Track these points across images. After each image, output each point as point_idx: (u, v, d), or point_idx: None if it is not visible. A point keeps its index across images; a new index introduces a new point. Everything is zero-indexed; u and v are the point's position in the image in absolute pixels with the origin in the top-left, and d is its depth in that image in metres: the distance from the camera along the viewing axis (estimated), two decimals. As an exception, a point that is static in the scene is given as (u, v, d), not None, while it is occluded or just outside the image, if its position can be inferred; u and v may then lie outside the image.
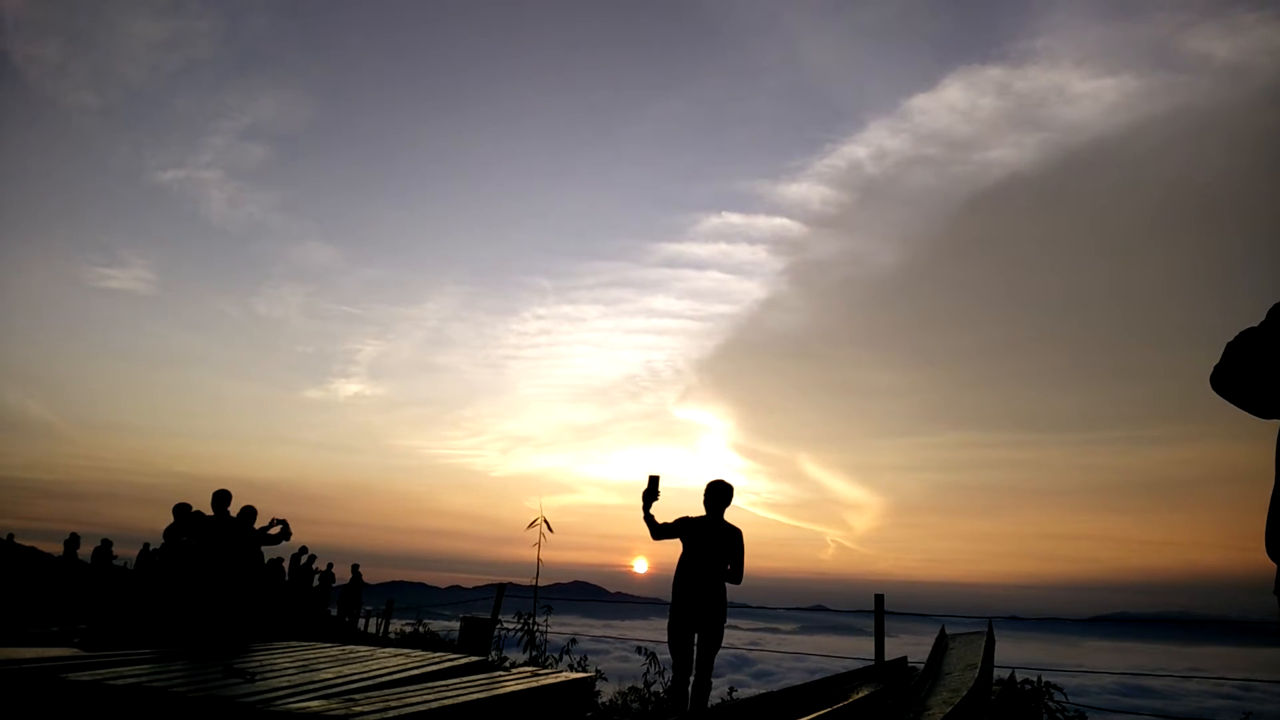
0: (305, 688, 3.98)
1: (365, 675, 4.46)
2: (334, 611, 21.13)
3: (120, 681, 3.65)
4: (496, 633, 10.56)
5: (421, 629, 15.95)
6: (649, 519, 5.65)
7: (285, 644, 5.62)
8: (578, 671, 5.21)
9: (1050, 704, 5.28)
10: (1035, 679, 5.42)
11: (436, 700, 3.88)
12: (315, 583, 19.81)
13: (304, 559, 19.60)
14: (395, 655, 5.35)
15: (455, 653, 8.83)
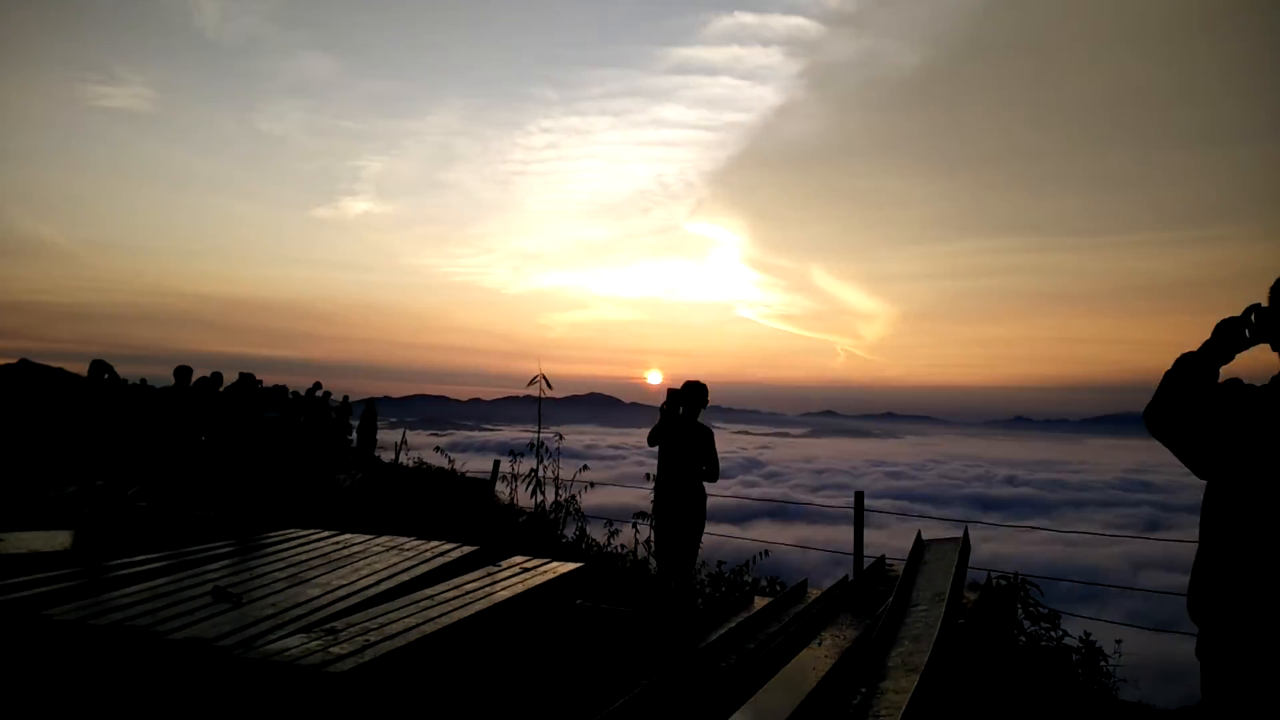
0: (290, 613, 4.03)
1: (352, 586, 4.51)
2: (354, 440, 21.75)
3: (103, 621, 3.68)
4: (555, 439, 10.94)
5: (440, 452, 15.92)
6: (655, 430, 5.74)
7: (283, 537, 5.71)
8: (566, 564, 5.26)
9: (1028, 605, 5.36)
10: (1013, 576, 5.46)
11: (420, 623, 3.93)
12: (332, 416, 20.19)
13: (319, 393, 19.94)
14: (389, 549, 5.42)
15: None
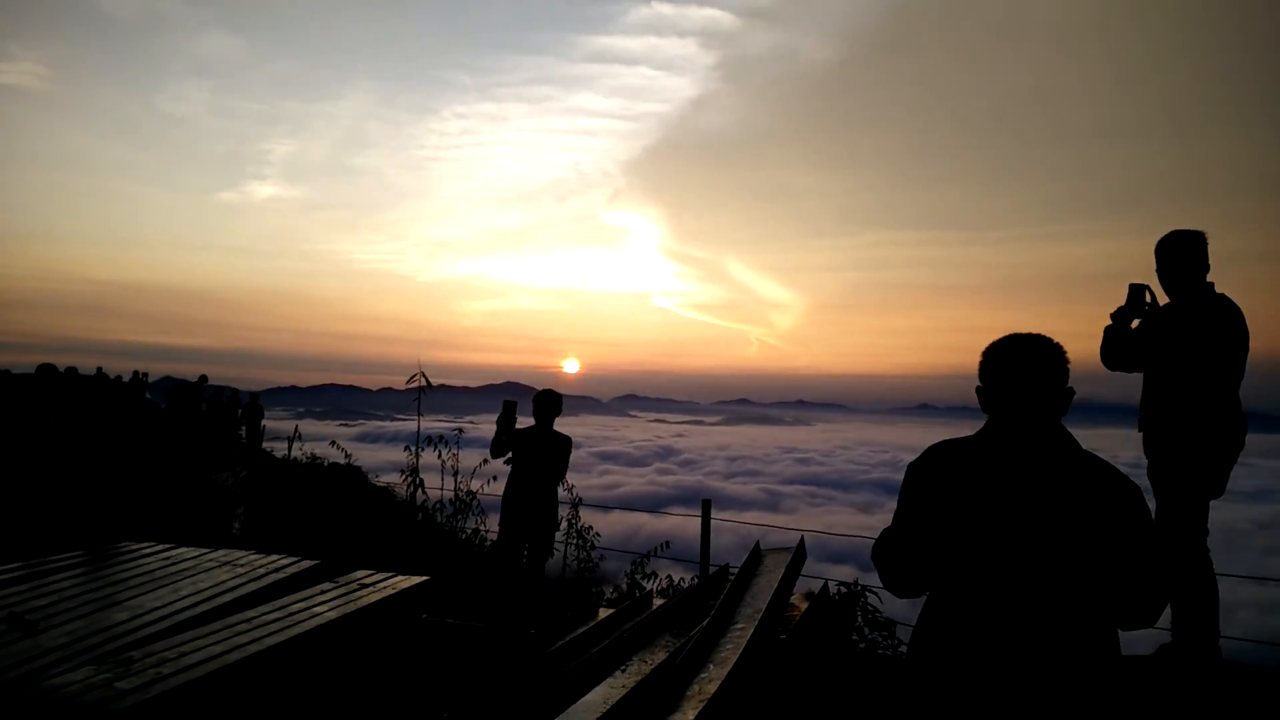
0: (88, 640, 3.80)
1: (167, 609, 4.29)
2: (243, 434, 21.02)
3: None
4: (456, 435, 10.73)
5: (337, 447, 15.45)
6: (496, 440, 5.63)
7: (112, 552, 5.42)
8: (410, 578, 5.12)
9: (867, 613, 5.45)
10: (852, 583, 5.56)
11: (226, 650, 3.74)
12: (203, 407, 19.34)
13: (142, 377, 19.04)
14: (221, 564, 5.19)
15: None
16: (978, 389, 2.10)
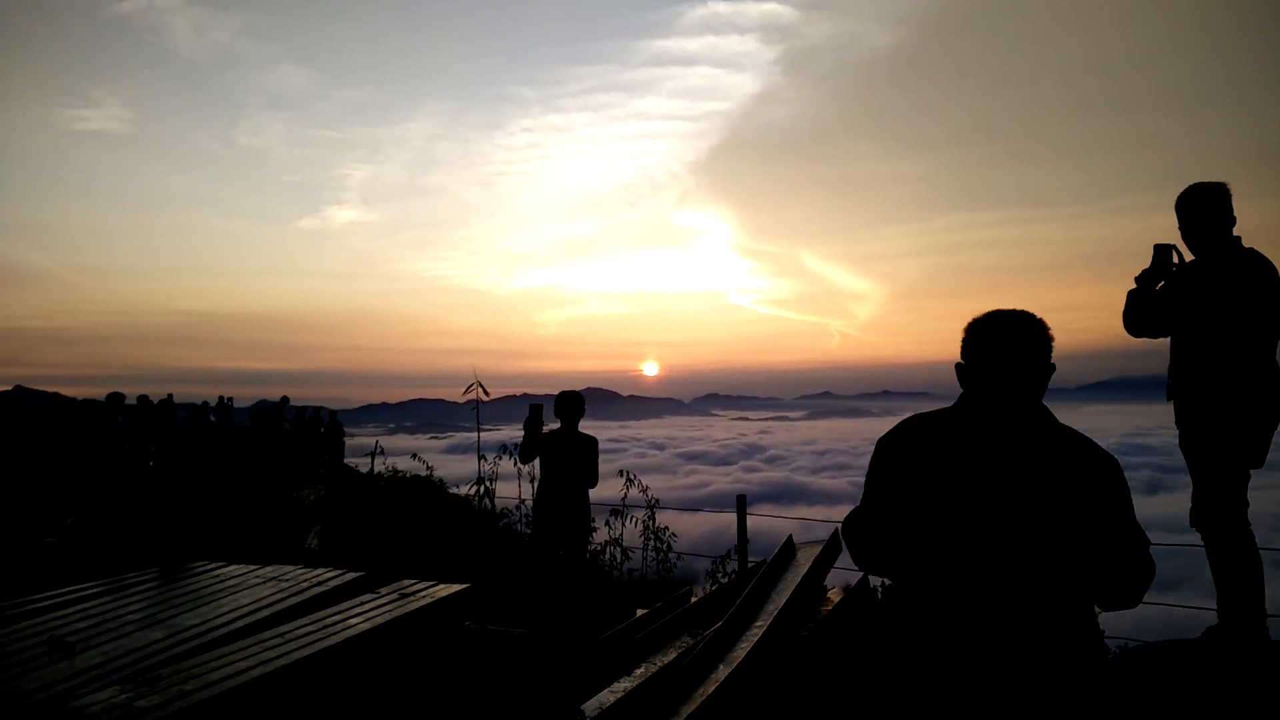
0: (122, 660, 3.83)
1: (205, 626, 4.31)
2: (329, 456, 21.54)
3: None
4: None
5: (418, 460, 15.60)
6: (523, 446, 5.54)
7: (161, 572, 5.51)
8: (450, 586, 5.05)
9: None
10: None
11: (252, 665, 3.73)
12: (286, 428, 19.91)
13: (280, 402, 19.75)
14: (267, 580, 5.21)
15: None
16: (958, 366, 1.98)
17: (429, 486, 14.31)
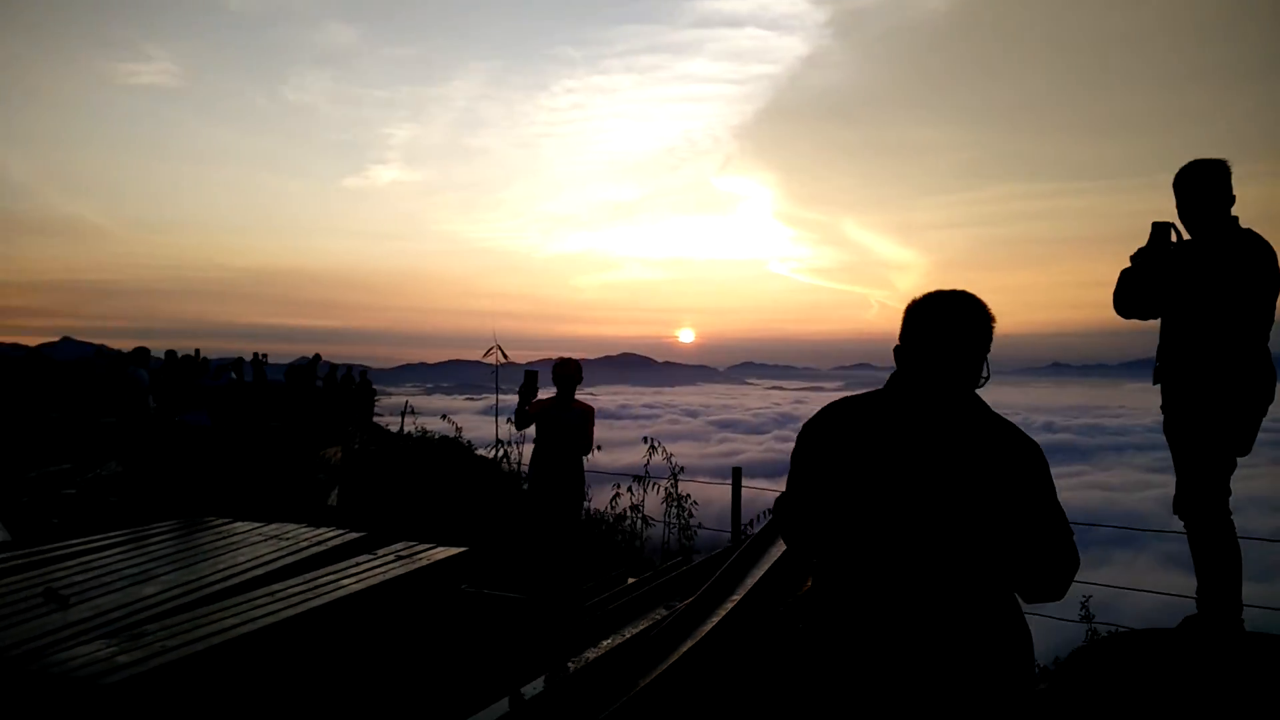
0: (112, 614, 3.85)
1: (199, 582, 4.33)
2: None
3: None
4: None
5: (448, 421, 15.62)
6: (519, 413, 5.47)
7: (170, 526, 5.55)
8: (448, 549, 5.03)
9: None
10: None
11: (240, 623, 3.73)
12: (318, 385, 20.12)
13: (313, 359, 20.00)
14: (270, 537, 5.23)
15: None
16: (895, 349, 1.89)
17: (456, 447, 14.38)
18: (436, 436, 16.03)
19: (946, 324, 1.77)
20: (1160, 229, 3.51)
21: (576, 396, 5.73)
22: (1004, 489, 1.69)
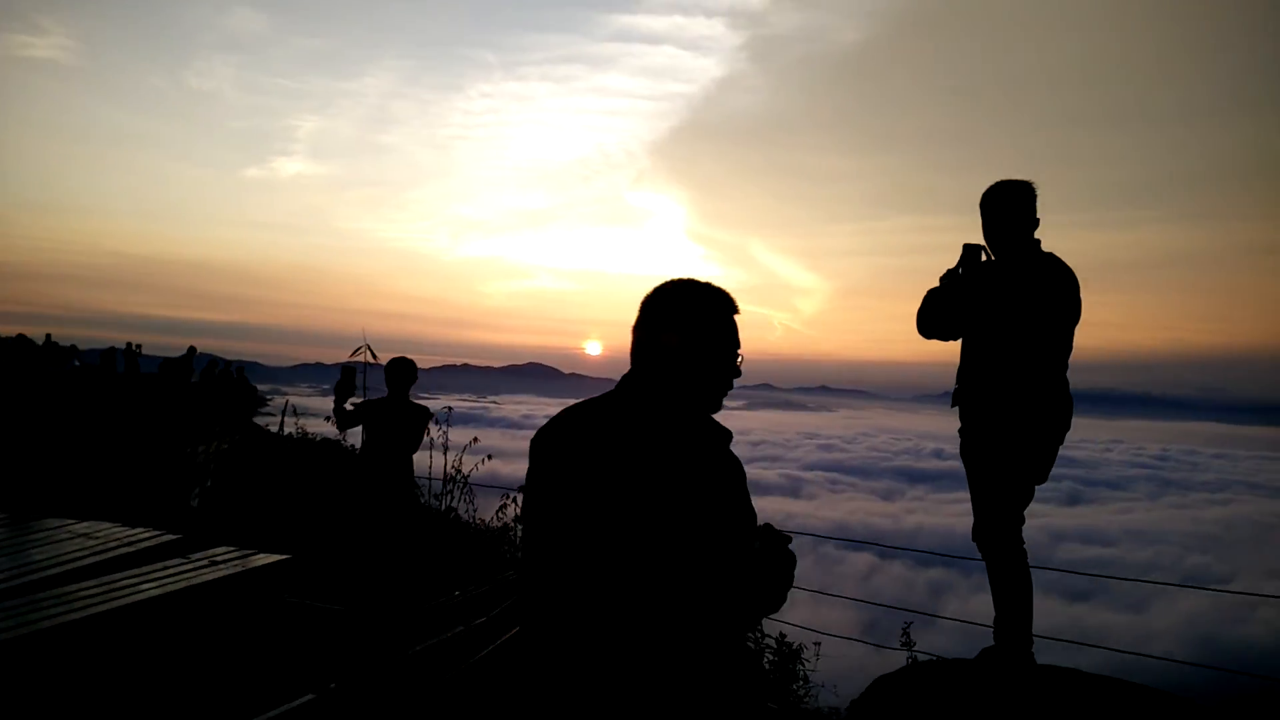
0: None
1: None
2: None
3: None
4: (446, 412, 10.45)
5: (330, 422, 15.17)
6: (338, 412, 5.30)
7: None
8: (269, 556, 4.84)
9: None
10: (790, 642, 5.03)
11: (11, 628, 3.50)
12: (193, 380, 19.39)
13: (187, 353, 19.22)
14: (78, 535, 4.95)
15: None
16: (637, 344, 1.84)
17: (339, 450, 13.96)
18: (318, 438, 15.56)
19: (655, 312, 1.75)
20: (971, 250, 3.50)
21: (412, 400, 5.58)
22: (706, 502, 1.63)
